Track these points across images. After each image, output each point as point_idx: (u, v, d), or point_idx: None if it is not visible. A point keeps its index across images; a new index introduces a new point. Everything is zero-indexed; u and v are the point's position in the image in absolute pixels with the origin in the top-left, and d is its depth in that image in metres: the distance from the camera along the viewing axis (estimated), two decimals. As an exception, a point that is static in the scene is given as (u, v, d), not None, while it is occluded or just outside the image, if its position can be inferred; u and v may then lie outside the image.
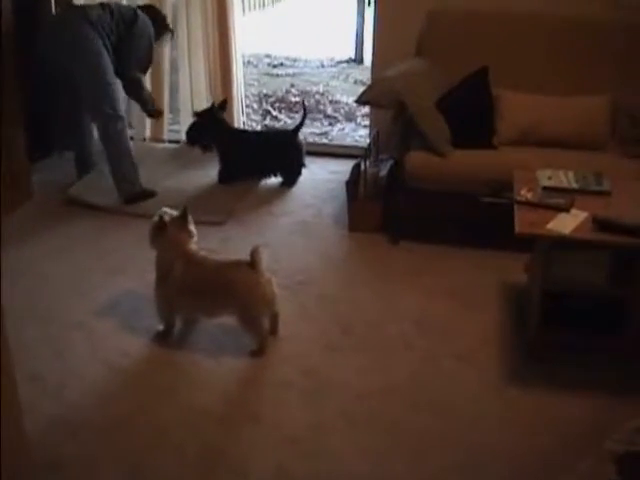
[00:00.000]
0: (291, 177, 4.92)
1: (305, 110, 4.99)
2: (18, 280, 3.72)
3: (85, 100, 4.59)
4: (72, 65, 4.42)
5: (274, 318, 3.32)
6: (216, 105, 4.91)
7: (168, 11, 5.17)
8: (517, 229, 2.90)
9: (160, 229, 3.22)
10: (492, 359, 3.18)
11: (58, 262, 3.97)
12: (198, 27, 5.20)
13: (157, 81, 5.36)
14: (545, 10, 4.44)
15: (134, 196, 4.56)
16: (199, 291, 3.19)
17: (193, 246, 3.28)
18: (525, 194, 3.15)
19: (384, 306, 3.59)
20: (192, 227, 3.30)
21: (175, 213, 3.29)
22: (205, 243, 4.03)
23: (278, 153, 4.85)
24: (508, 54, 4.36)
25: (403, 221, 4.11)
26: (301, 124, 4.92)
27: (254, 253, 3.13)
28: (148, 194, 4.61)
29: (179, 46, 5.34)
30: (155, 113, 4.94)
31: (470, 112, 4.04)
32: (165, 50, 5.31)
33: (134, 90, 4.72)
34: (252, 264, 3.13)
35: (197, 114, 4.93)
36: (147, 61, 4.74)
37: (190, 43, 5.28)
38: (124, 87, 4.65)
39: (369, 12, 7.52)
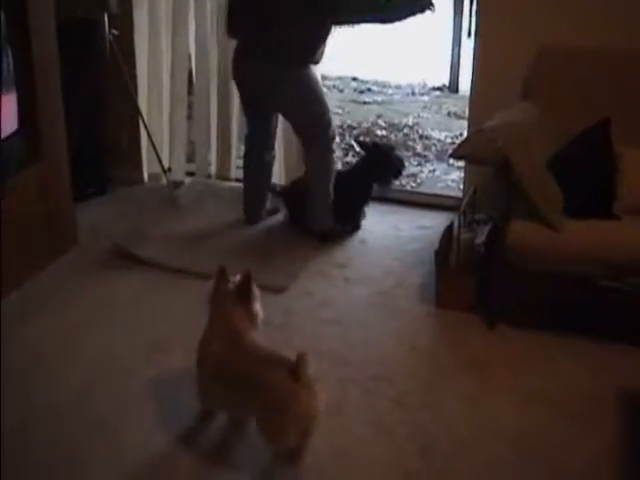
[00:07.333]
0: None
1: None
2: (37, 360, 3.19)
3: None
4: None
5: (302, 442, 2.50)
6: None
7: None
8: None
9: (220, 286, 2.73)
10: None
11: (90, 335, 3.38)
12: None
13: (224, 108, 4.78)
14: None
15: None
16: (231, 381, 2.59)
17: (246, 326, 2.71)
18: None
19: (475, 417, 2.90)
20: (257, 305, 2.78)
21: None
22: (266, 315, 3.47)
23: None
24: (636, 103, 3.65)
25: (501, 301, 3.42)
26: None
27: (299, 360, 2.43)
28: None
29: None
30: None
31: (587, 174, 3.34)
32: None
33: None
34: (295, 371, 2.44)
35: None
36: None
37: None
38: None
39: (467, 41, 6.90)
